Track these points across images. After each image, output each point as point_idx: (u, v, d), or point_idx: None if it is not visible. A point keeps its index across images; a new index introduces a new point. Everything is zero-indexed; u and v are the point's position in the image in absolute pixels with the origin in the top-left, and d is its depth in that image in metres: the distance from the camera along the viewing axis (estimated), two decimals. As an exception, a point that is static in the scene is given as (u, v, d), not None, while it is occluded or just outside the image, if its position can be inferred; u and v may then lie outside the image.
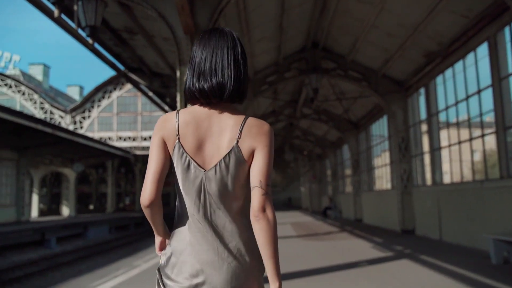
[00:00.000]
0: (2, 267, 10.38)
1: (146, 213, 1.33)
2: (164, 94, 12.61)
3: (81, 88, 50.38)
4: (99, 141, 24.49)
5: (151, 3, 5.75)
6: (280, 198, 52.72)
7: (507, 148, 7.44)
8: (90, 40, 6.21)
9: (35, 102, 32.38)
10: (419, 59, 10.49)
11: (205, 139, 1.31)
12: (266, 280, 1.35)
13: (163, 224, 1.41)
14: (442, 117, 10.37)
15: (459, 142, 9.25)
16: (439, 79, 10.24)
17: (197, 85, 1.32)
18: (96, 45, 8.68)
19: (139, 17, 7.80)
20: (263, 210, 1.27)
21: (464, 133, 9.13)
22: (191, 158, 1.30)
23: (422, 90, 11.21)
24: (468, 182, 9.09)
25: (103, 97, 31.60)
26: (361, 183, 17.95)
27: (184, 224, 1.33)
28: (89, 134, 28.73)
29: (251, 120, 1.33)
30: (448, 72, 9.70)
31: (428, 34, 9.33)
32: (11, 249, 12.83)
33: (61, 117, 31.86)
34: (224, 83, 1.31)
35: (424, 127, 11.44)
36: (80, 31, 6.37)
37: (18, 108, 29.53)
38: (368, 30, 10.17)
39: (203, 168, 1.30)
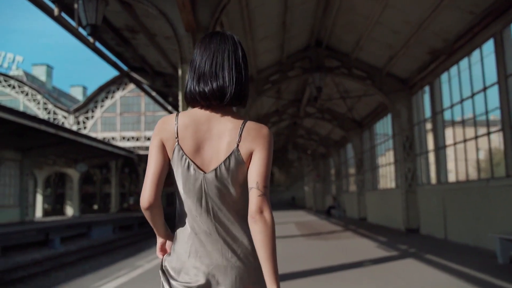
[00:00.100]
0: (6, 268, 10.39)
1: (146, 215, 1.33)
2: (167, 93, 12.57)
3: (85, 88, 50.54)
4: (102, 141, 24.53)
5: (152, 0, 5.70)
6: (283, 198, 52.64)
7: (514, 146, 7.33)
8: (91, 39, 6.18)
9: (38, 103, 32.48)
10: (424, 57, 10.39)
11: (204, 142, 1.32)
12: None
13: (164, 226, 1.41)
14: (447, 115, 10.27)
15: (465, 140, 9.15)
16: (444, 76, 10.14)
17: (197, 88, 1.33)
18: (98, 44, 8.66)
19: (140, 15, 7.76)
20: (260, 211, 1.27)
21: (470, 131, 9.02)
22: (191, 160, 1.31)
23: (427, 88, 11.11)
24: (473, 180, 8.98)
25: (106, 97, 31.66)
26: (365, 182, 17.86)
27: (186, 227, 1.34)
28: (93, 134, 28.80)
29: (250, 124, 1.33)
30: (453, 70, 9.59)
31: (433, 31, 9.23)
32: (15, 249, 12.85)
33: (65, 117, 31.95)
34: (225, 86, 1.32)
35: (428, 126, 11.33)
36: (80, 30, 6.35)
37: (21, 108, 29.63)
38: (372, 28, 10.07)
39: (202, 170, 1.31)
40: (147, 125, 30.84)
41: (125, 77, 12.92)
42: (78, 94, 48.81)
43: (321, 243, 10.16)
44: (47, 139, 18.35)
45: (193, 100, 1.36)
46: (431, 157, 11.08)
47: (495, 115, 8.24)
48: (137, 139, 30.75)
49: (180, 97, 5.70)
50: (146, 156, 29.09)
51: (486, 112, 8.15)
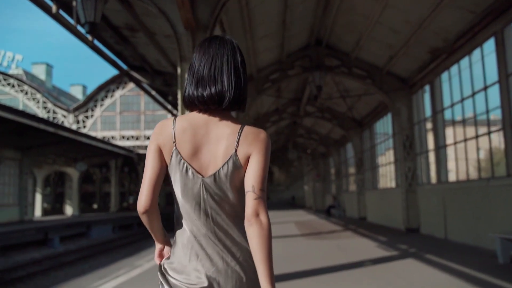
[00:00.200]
0: (5, 267, 10.36)
1: (143, 219, 1.34)
2: (167, 92, 12.54)
3: (84, 87, 50.49)
4: (102, 140, 24.50)
5: (151, -2, 5.67)
6: (283, 197, 52.64)
7: (515, 146, 7.30)
8: (89, 37, 6.14)
9: (38, 102, 32.44)
10: (424, 56, 10.36)
11: (201, 146, 1.32)
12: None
13: (162, 231, 1.42)
14: (447, 114, 10.23)
15: (465, 140, 9.12)
16: (445, 76, 10.10)
17: (195, 92, 1.33)
18: (97, 43, 8.63)
19: (140, 13, 7.72)
20: (256, 214, 1.27)
21: (470, 131, 8.99)
22: (189, 164, 1.31)
23: (427, 87, 11.08)
24: (474, 180, 8.95)
25: (106, 96, 31.62)
26: (365, 181, 17.83)
27: (185, 230, 1.34)
28: (92, 133, 28.76)
29: (248, 128, 1.34)
30: (454, 69, 9.56)
31: (433, 30, 9.19)
32: (14, 248, 12.81)
33: (64, 116, 31.91)
34: (224, 90, 1.32)
35: (429, 125, 11.30)
36: (79, 28, 6.31)
37: (21, 107, 29.60)
38: (372, 27, 10.04)
39: (200, 174, 1.31)
40: (147, 124, 30.81)
41: (125, 76, 12.89)
42: (78, 93, 48.75)
43: (321, 242, 10.13)
44: (46, 138, 18.32)
45: (191, 104, 1.36)
46: (431, 157, 11.05)
47: (495, 115, 8.21)
48: (137, 138, 30.72)
49: (179, 96, 5.66)
50: (145, 155, 29.06)
51: (487, 111, 8.12)
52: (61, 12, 6.14)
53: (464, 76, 9.08)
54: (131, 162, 30.78)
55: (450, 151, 10.20)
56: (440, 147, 10.39)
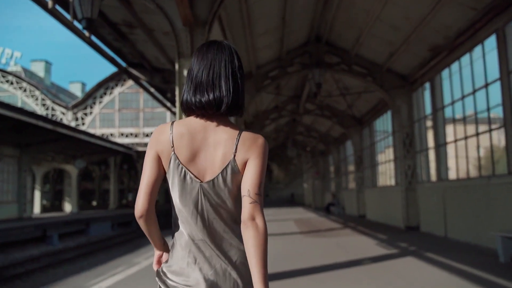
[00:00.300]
0: (4, 264, 10.33)
1: (141, 224, 1.35)
2: (165, 89, 12.47)
3: (83, 84, 50.36)
4: (101, 138, 24.44)
5: (149, -6, 5.60)
6: (283, 195, 52.61)
7: (516, 143, 7.25)
8: (86, 33, 6.07)
9: (36, 99, 32.35)
10: (425, 53, 10.30)
11: (199, 151, 1.33)
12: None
13: (160, 237, 1.43)
14: (447, 112, 10.18)
15: (465, 138, 9.07)
16: (445, 73, 10.05)
17: (193, 98, 1.34)
18: (95, 40, 8.56)
19: (138, 10, 7.65)
20: (252, 218, 1.27)
21: (470, 129, 8.94)
22: (187, 169, 1.32)
23: (427, 85, 11.02)
24: (474, 178, 8.91)
25: (105, 94, 31.53)
26: (364, 179, 17.80)
27: (183, 234, 1.35)
28: (91, 131, 28.68)
29: (245, 134, 1.34)
30: (455, 66, 9.50)
31: (434, 27, 9.13)
32: (12, 245, 12.78)
33: (63, 113, 31.84)
34: (222, 96, 1.33)
35: (429, 122, 11.25)
36: (76, 24, 6.23)
37: (19, 104, 29.50)
38: (372, 24, 9.97)
39: (198, 179, 1.33)
40: (146, 121, 30.73)
41: (123, 73, 12.81)
42: (77, 90, 48.64)
43: (320, 240, 10.10)
44: (45, 135, 18.26)
45: (189, 110, 1.37)
46: (431, 154, 11.01)
47: (495, 113, 8.16)
48: (136, 136, 30.66)
49: (177, 92, 5.61)
50: (144, 153, 28.84)
51: (488, 109, 8.06)
52: (58, 7, 6.08)
53: (465, 74, 9.03)
54: (130, 159, 30.73)
55: (450, 149, 10.16)
56: (440, 145, 10.35)
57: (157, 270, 1.40)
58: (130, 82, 29.70)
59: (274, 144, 27.35)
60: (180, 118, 5.68)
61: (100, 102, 31.40)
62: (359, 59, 12.13)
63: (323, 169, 28.78)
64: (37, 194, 29.61)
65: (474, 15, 8.09)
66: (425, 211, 11.10)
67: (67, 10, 6.38)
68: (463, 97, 9.11)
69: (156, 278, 1.37)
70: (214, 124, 1.35)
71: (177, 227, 1.36)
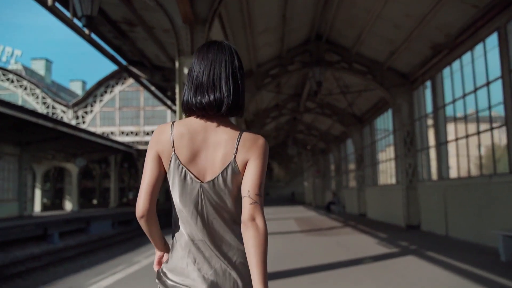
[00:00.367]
0: (5, 262, 10.33)
1: (142, 224, 1.35)
2: (166, 87, 12.44)
3: (84, 83, 50.37)
4: (101, 136, 24.44)
5: (149, -9, 5.56)
6: (283, 193, 52.62)
7: (517, 142, 7.22)
8: (86, 31, 6.04)
9: (37, 97, 32.34)
10: (426, 51, 10.26)
11: (199, 151, 1.33)
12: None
13: (161, 237, 1.43)
14: (449, 110, 10.15)
15: (467, 136, 9.04)
16: (446, 71, 10.01)
17: (194, 99, 1.34)
18: (95, 37, 8.53)
19: (138, 7, 7.62)
20: (252, 219, 1.27)
21: (472, 127, 8.91)
22: (187, 169, 1.32)
23: (428, 83, 10.99)
24: (475, 176, 8.88)
25: (106, 92, 31.51)
26: (365, 177, 17.78)
27: (183, 234, 1.35)
28: (92, 129, 28.68)
29: (246, 135, 1.35)
30: (456, 64, 9.46)
31: (435, 25, 9.09)
32: (13, 244, 12.78)
33: (63, 112, 31.83)
34: (222, 97, 1.33)
35: (430, 121, 11.22)
36: (76, 21, 6.20)
37: (20, 103, 29.50)
38: (373, 22, 9.93)
39: (199, 180, 1.33)
40: (146, 120, 30.73)
41: (124, 71, 12.79)
42: (77, 88, 48.63)
43: (321, 239, 10.09)
44: (46, 134, 18.26)
45: (189, 110, 1.37)
46: (432, 153, 10.98)
47: (496, 112, 8.13)
48: (136, 134, 30.65)
49: (177, 90, 5.58)
50: (145, 151, 29.00)
51: (489, 107, 8.03)
52: (57, 5, 6.05)
53: (466, 72, 8.99)
54: (131, 157, 30.74)
55: (451, 148, 10.13)
56: (441, 144, 10.32)
57: (157, 271, 1.40)
58: (130, 81, 29.69)
59: (275, 143, 27.32)
60: (180, 116, 5.65)
61: (101, 101, 31.38)
62: (359, 57, 12.09)
63: (324, 167, 28.75)
64: (38, 193, 29.63)
65: (475, 13, 8.05)
66: (426, 210, 11.08)
67: (67, 8, 6.36)
68: (464, 96, 9.07)
69: (156, 280, 1.37)
70: (215, 124, 1.35)
71: (177, 227, 1.37)
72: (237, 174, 1.32)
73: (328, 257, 7.12)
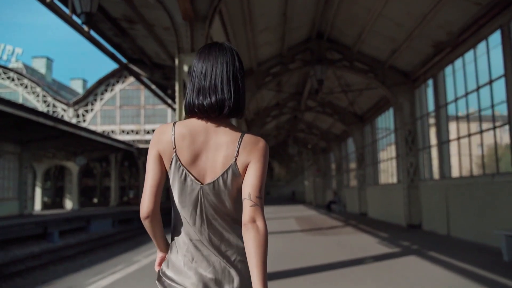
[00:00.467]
0: (4, 261, 10.30)
1: (146, 225, 1.36)
2: (166, 86, 12.39)
3: (85, 81, 50.33)
4: (101, 135, 24.41)
5: (149, -12, 5.51)
6: (284, 192, 52.58)
7: (520, 141, 7.16)
8: (85, 28, 5.98)
9: (37, 95, 32.32)
10: (428, 49, 10.19)
11: (200, 153, 1.34)
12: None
13: (164, 238, 1.43)
14: (451, 109, 10.08)
15: (469, 135, 8.97)
16: (448, 69, 9.94)
17: (196, 101, 1.35)
18: (95, 35, 8.47)
19: (138, 5, 7.56)
20: (253, 221, 1.28)
21: (474, 126, 8.85)
22: (188, 171, 1.33)
23: (430, 82, 10.92)
24: (478, 176, 8.81)
25: (106, 90, 31.47)
26: (366, 177, 17.72)
27: (182, 235, 1.36)
28: (92, 128, 28.66)
29: (247, 137, 1.35)
30: (458, 63, 9.39)
31: (437, 23, 9.02)
32: (13, 242, 12.75)
33: (64, 110, 31.81)
34: (224, 99, 1.34)
35: (432, 120, 11.15)
36: (75, 18, 6.14)
37: (20, 101, 29.47)
38: (375, 20, 9.86)
39: (199, 181, 1.33)
40: (147, 118, 30.69)
41: (124, 69, 12.74)
42: (78, 87, 48.60)
43: (321, 238, 10.03)
44: (46, 132, 18.23)
45: (191, 112, 1.38)
46: (434, 152, 10.92)
47: (498, 111, 8.07)
48: (137, 133, 30.62)
49: (177, 88, 5.52)
50: (145, 150, 28.98)
51: (492, 106, 7.97)
52: (56, 2, 6.00)
53: (469, 70, 8.92)
54: (131, 156, 30.70)
55: (453, 147, 10.06)
56: (443, 143, 10.25)
57: (158, 272, 1.41)
58: (131, 79, 29.65)
59: (275, 142, 27.27)
60: (180, 115, 5.60)
61: (101, 99, 31.35)
62: (361, 55, 12.02)
63: (324, 166, 28.70)
64: (38, 191, 29.63)
65: (478, 11, 7.98)
66: (427, 209, 11.02)
67: (66, 5, 6.30)
68: (466, 94, 9.01)
69: (156, 282, 1.38)
70: (216, 126, 1.36)
71: (176, 227, 1.38)
72: (238, 176, 1.33)
73: (328, 256, 7.07)
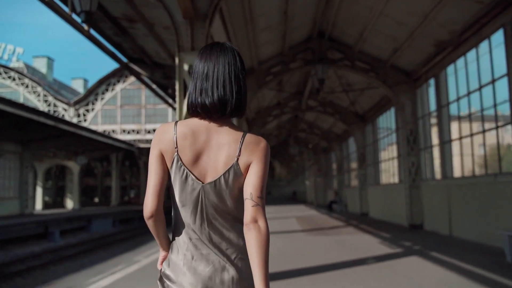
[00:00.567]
0: (5, 260, 10.28)
1: (149, 224, 1.37)
2: (166, 85, 12.36)
3: (86, 81, 50.33)
4: (102, 134, 24.41)
5: (149, -13, 5.48)
6: (285, 192, 52.54)
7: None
8: (85, 27, 5.95)
9: (38, 95, 32.33)
10: (429, 49, 10.14)
11: (202, 153, 1.35)
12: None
13: (167, 236, 1.44)
14: (453, 108, 10.03)
15: (471, 135, 8.92)
16: (450, 69, 9.89)
17: (199, 100, 1.36)
18: (95, 34, 8.44)
19: (138, 3, 7.53)
20: (255, 221, 1.29)
21: (476, 126, 8.79)
22: (189, 170, 1.34)
23: (432, 81, 10.87)
24: (480, 175, 8.76)
25: (107, 90, 31.47)
26: (367, 176, 17.67)
27: (182, 234, 1.36)
28: (93, 127, 28.65)
29: (249, 137, 1.36)
30: (460, 62, 9.34)
31: (439, 22, 8.97)
32: (14, 242, 12.74)
33: (65, 109, 31.82)
34: (226, 99, 1.35)
35: (433, 119, 11.10)
36: (75, 17, 6.12)
37: (21, 100, 29.50)
38: (376, 19, 9.82)
39: (200, 181, 1.34)
40: (148, 118, 30.68)
41: (124, 68, 12.72)
42: (79, 86, 48.60)
43: (323, 238, 9.99)
44: (47, 132, 18.23)
45: (194, 111, 1.39)
46: (436, 152, 10.87)
47: (500, 111, 8.01)
48: (138, 132, 30.61)
49: (177, 87, 5.49)
50: (146, 149, 28.98)
51: (495, 105, 7.91)
52: (56, 0, 5.96)
53: (471, 69, 8.87)
54: (132, 156, 30.70)
55: (455, 146, 10.01)
56: (445, 142, 10.20)
57: (160, 271, 1.41)
58: (132, 79, 29.64)
59: (276, 141, 27.24)
60: (180, 114, 5.57)
61: (102, 99, 31.34)
62: (362, 55, 11.97)
63: (325, 166, 28.65)
64: (39, 191, 29.64)
65: (480, 10, 7.93)
66: (429, 209, 10.97)
67: (66, 3, 6.27)
68: (468, 94, 8.95)
69: (158, 282, 1.39)
70: (217, 125, 1.37)
71: (176, 226, 1.38)
72: (239, 176, 1.34)
73: (330, 257, 7.03)
